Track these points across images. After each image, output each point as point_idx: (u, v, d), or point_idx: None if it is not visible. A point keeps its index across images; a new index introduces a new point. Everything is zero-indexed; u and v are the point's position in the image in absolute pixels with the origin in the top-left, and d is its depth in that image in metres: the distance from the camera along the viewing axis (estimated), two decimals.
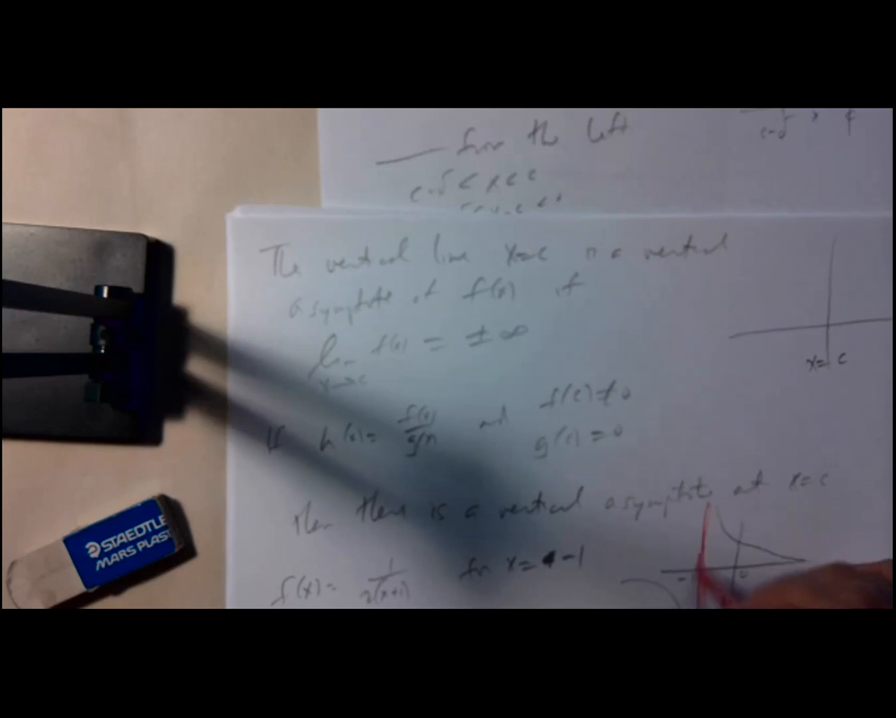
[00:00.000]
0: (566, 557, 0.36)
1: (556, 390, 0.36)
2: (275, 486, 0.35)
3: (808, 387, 0.36)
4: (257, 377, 0.35)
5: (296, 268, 0.35)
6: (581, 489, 0.36)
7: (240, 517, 0.35)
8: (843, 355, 0.36)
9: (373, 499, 0.35)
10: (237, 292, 0.35)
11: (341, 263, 0.35)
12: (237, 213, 0.35)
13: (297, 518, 0.35)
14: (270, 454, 0.35)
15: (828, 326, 0.36)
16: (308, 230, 0.35)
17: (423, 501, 0.36)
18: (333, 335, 0.35)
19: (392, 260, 0.35)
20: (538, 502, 0.36)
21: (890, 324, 0.36)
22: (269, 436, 0.35)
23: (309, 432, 0.35)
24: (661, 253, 0.35)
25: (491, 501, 0.36)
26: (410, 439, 0.35)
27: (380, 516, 0.35)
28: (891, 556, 0.36)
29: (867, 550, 0.36)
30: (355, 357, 0.35)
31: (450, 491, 0.36)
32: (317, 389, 0.35)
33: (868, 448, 0.36)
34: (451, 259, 0.35)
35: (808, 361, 0.36)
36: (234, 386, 0.35)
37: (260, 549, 0.35)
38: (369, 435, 0.35)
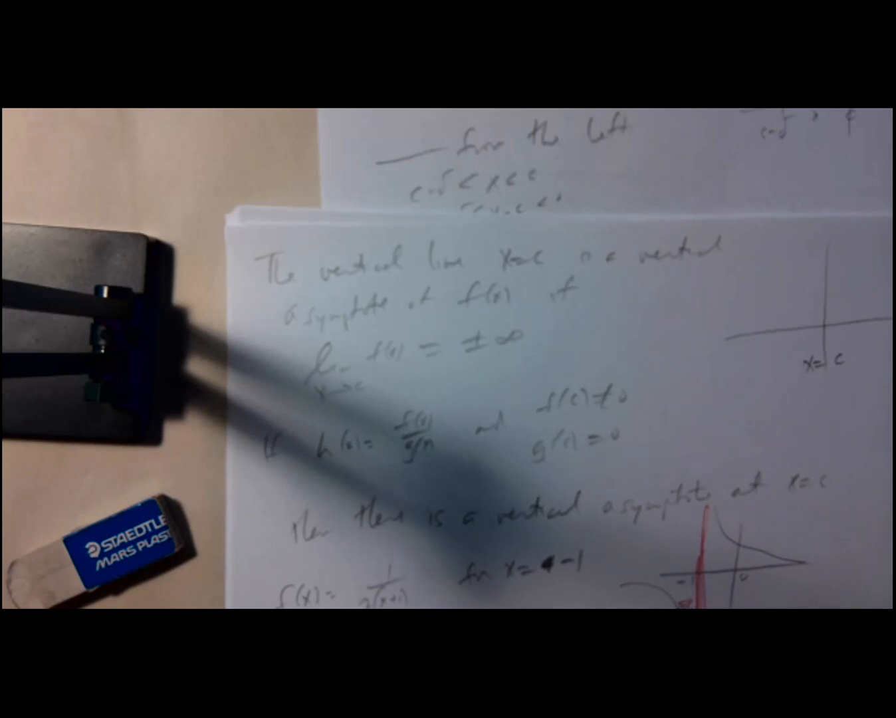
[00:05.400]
0: (565, 561, 0.36)
1: (552, 394, 0.36)
2: (272, 494, 0.35)
3: (805, 388, 0.36)
4: (254, 386, 0.35)
5: (291, 276, 0.35)
6: (579, 493, 0.36)
7: (238, 526, 0.35)
8: (839, 355, 0.36)
9: (371, 506, 0.35)
10: (234, 299, 0.35)
11: (336, 271, 0.35)
12: (235, 216, 0.35)
13: (294, 526, 0.35)
14: (267, 462, 0.35)
15: (824, 326, 0.36)
16: (303, 238, 0.35)
17: (421, 507, 0.36)
18: (329, 343, 0.35)
19: (387, 267, 0.35)
20: (536, 506, 0.36)
21: (886, 323, 0.36)
22: (265, 444, 0.35)
23: (306, 440, 0.35)
24: (656, 255, 0.35)
25: (489, 506, 0.36)
26: (408, 446, 0.35)
27: (378, 523, 0.35)
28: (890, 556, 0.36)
29: (867, 551, 0.36)
30: (351, 364, 0.35)
31: (447, 497, 0.36)
32: (313, 396, 0.35)
33: (866, 449, 0.36)
34: (446, 265, 0.35)
35: (805, 362, 0.36)
36: (232, 394, 0.35)
37: (258, 558, 0.35)
38: (366, 442, 0.35)
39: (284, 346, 0.35)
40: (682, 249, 0.36)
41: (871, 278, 0.36)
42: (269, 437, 0.35)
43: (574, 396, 0.36)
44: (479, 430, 0.36)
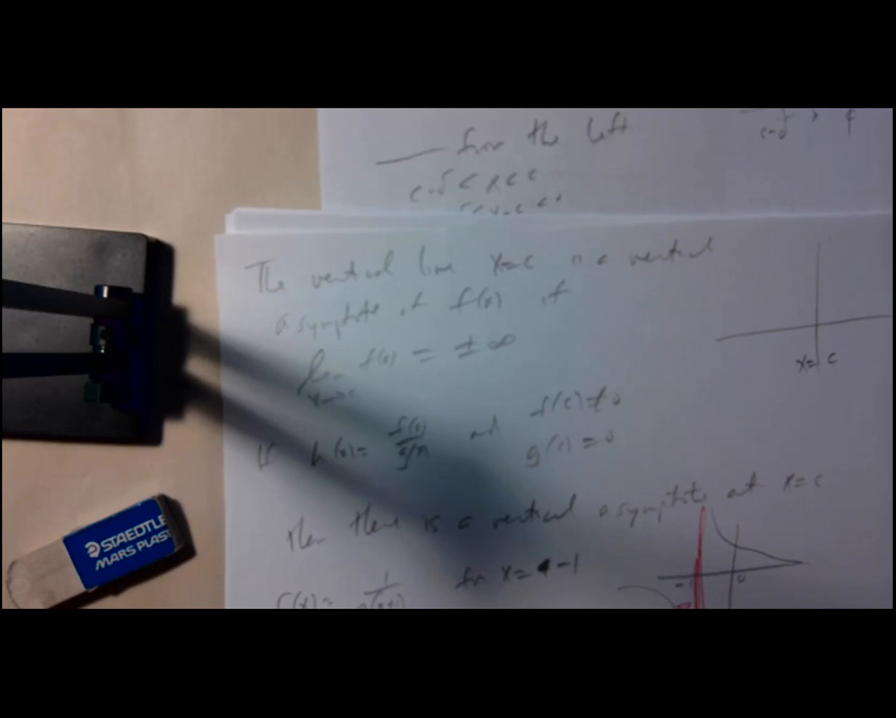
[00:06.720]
0: (561, 565, 0.36)
1: (546, 398, 0.36)
2: (268, 503, 0.35)
3: (798, 388, 0.36)
4: (247, 395, 0.35)
5: (281, 284, 0.35)
6: (574, 496, 0.36)
7: (236, 534, 0.35)
8: (832, 354, 0.36)
9: (366, 513, 0.35)
10: (225, 309, 0.35)
11: (327, 278, 0.35)
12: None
13: (290, 535, 0.35)
14: (262, 471, 0.35)
15: (816, 326, 0.36)
16: (293, 246, 0.35)
17: (416, 513, 0.36)
18: (321, 350, 0.35)
19: (378, 273, 0.35)
20: (531, 510, 0.36)
21: (879, 321, 0.36)
22: (259, 453, 0.35)
23: (300, 448, 0.35)
24: (647, 258, 0.35)
25: (484, 511, 0.36)
26: (402, 452, 0.35)
27: (373, 529, 0.35)
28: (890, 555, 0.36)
29: (864, 550, 0.36)
30: (344, 371, 0.35)
31: (443, 503, 0.36)
32: (307, 404, 0.35)
33: (861, 447, 0.36)
34: (437, 270, 0.35)
35: (798, 361, 0.36)
36: (227, 403, 0.35)
37: (255, 567, 0.35)
38: (360, 449, 0.35)
39: (277, 355, 0.35)
40: (672, 251, 0.36)
41: (862, 277, 0.36)
42: (263, 446, 0.35)
43: (568, 399, 0.36)
44: (473, 435, 0.36)
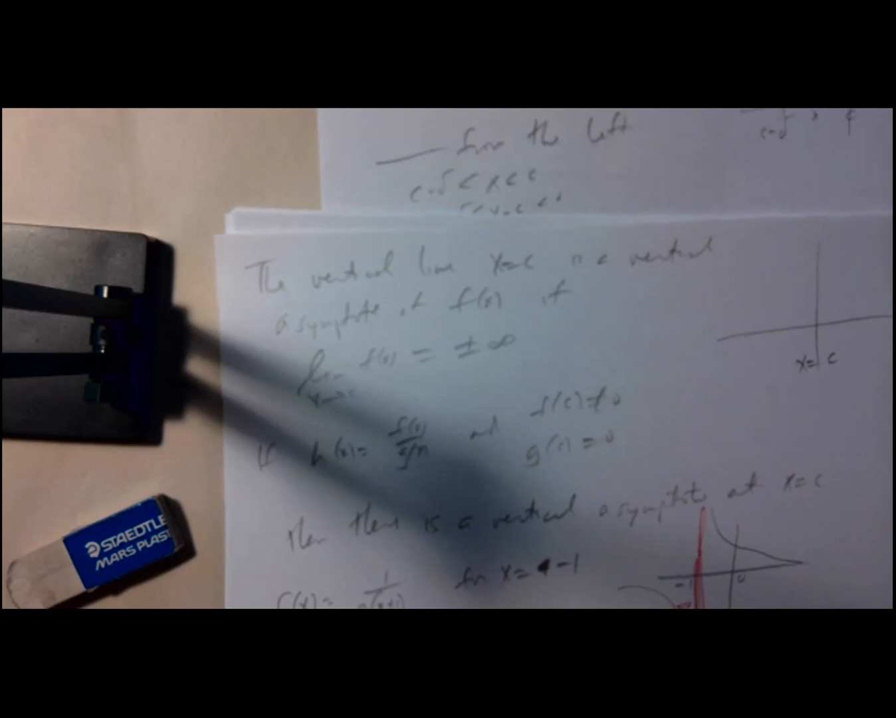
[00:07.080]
0: (561, 564, 0.36)
1: (546, 398, 0.36)
2: (268, 503, 0.35)
3: (798, 388, 0.36)
4: (247, 395, 0.35)
5: (281, 284, 0.35)
6: (574, 496, 0.36)
7: (236, 534, 0.35)
8: (832, 354, 0.36)
9: (366, 513, 0.35)
10: (225, 309, 0.35)
11: (327, 278, 0.35)
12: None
13: (290, 535, 0.35)
14: (262, 471, 0.35)
15: (816, 326, 0.36)
16: (293, 246, 0.35)
17: (416, 513, 0.36)
18: (321, 350, 0.35)
19: (378, 273, 0.35)
20: (531, 510, 0.36)
21: (879, 321, 0.36)
22: (259, 453, 0.35)
23: (300, 448, 0.35)
24: (647, 258, 0.35)
25: (484, 511, 0.36)
26: (402, 452, 0.35)
27: (373, 529, 0.36)
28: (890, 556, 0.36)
29: (864, 550, 0.36)
30: (344, 371, 0.35)
31: (443, 503, 0.36)
32: (306, 404, 0.35)
33: (861, 447, 0.36)
34: (437, 271, 0.35)
35: (798, 361, 0.36)
36: (227, 404, 0.35)
37: (255, 567, 0.35)
38: (360, 449, 0.35)
39: (277, 355, 0.35)
40: (672, 251, 0.36)
41: (862, 277, 0.36)
42: (263, 446, 0.35)
43: (568, 399, 0.36)
44: (473, 435, 0.36)
